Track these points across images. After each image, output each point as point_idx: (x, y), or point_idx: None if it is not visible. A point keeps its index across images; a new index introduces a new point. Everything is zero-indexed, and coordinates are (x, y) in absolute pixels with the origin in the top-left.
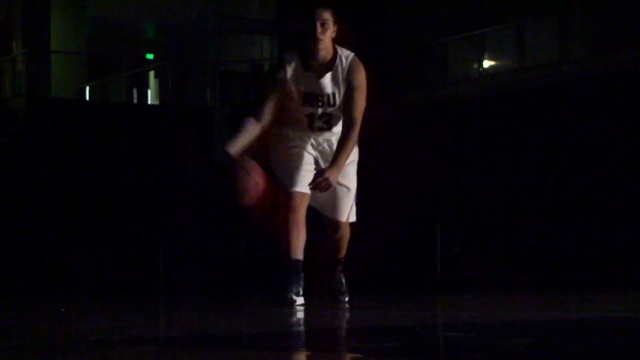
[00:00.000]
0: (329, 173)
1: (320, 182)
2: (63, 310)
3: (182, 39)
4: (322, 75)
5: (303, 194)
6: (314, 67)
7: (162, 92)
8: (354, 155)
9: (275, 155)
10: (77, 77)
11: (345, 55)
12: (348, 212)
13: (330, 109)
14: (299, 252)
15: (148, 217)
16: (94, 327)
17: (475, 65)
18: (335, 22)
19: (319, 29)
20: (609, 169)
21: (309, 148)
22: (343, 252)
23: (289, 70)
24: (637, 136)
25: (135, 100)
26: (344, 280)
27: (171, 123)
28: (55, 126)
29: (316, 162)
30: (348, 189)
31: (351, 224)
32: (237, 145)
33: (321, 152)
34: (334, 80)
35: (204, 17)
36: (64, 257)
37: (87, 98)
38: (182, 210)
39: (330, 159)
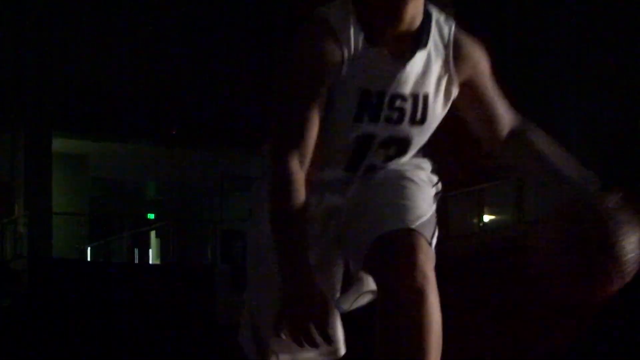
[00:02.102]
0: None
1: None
2: None
3: (183, 199)
4: (406, 55)
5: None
6: (387, 39)
7: (163, 251)
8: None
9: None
10: (78, 237)
11: (445, 20)
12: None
13: (413, 129)
14: None
15: None
16: None
17: (475, 220)
18: None
19: None
20: (612, 320)
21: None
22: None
23: (346, 45)
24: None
25: (136, 260)
26: None
27: (173, 282)
28: (57, 287)
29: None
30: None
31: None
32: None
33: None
34: (429, 68)
35: (205, 177)
36: None
37: (89, 258)
38: None
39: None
